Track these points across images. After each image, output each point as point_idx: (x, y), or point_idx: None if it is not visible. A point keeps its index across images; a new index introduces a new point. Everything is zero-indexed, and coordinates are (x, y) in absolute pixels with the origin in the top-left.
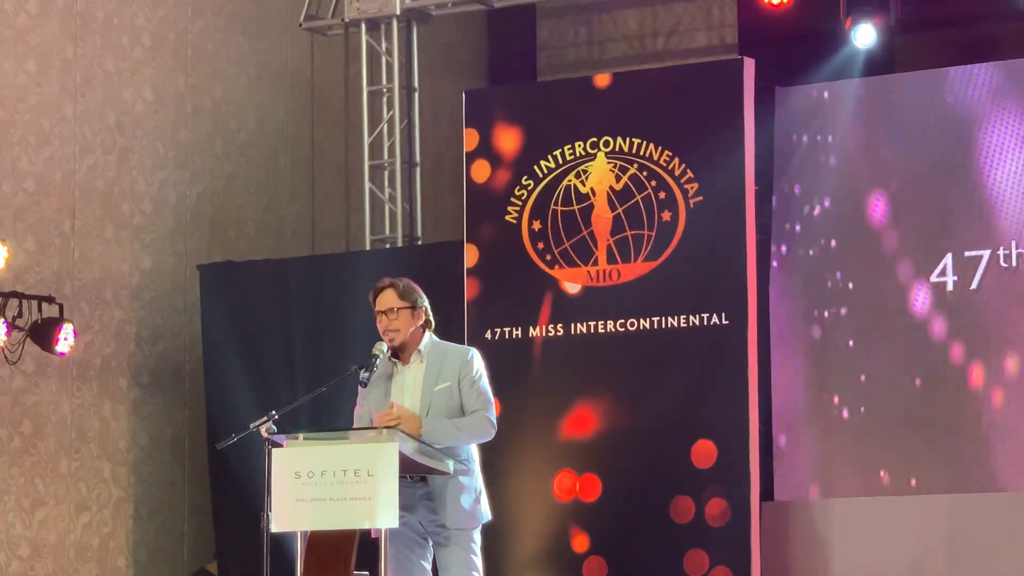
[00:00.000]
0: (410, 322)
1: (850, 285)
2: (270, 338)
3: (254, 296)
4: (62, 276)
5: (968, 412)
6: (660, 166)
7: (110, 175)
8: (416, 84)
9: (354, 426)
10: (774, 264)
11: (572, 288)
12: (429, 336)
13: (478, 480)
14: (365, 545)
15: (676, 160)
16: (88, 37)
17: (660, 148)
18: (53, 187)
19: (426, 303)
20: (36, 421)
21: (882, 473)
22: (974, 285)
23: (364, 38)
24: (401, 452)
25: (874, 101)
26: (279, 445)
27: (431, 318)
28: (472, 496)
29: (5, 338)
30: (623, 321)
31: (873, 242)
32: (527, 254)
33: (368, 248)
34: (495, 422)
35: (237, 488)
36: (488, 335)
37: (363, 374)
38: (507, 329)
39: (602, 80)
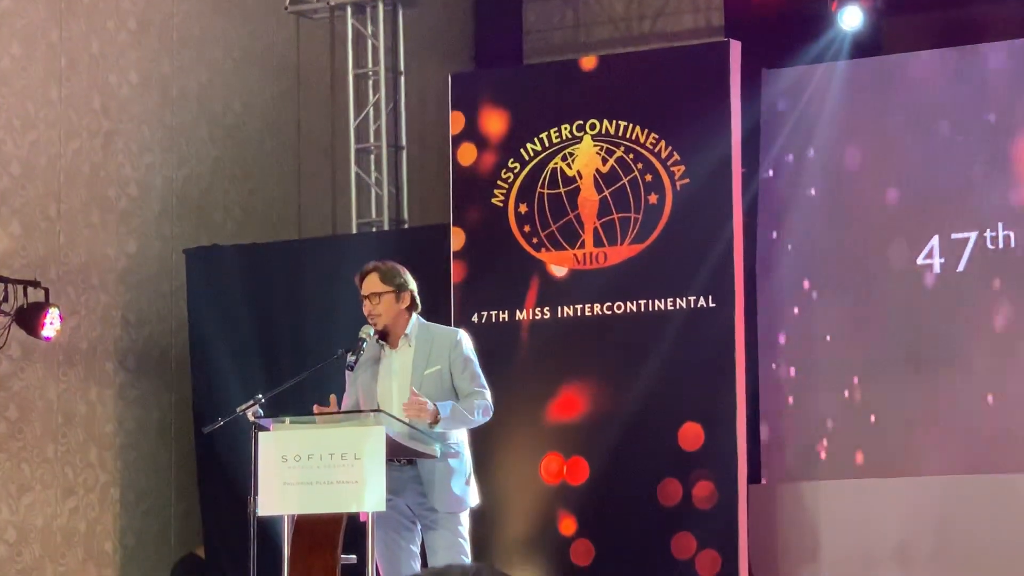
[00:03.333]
0: (393, 306)
1: (837, 267)
2: (256, 322)
3: (240, 280)
4: (48, 260)
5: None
6: (647, 148)
7: (96, 159)
8: (402, 67)
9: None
10: (761, 246)
11: (559, 271)
12: (416, 319)
13: (468, 464)
14: (353, 528)
15: (663, 143)
16: (73, 20)
17: (646, 131)
18: (38, 171)
19: (412, 286)
20: (22, 406)
21: (872, 456)
22: (960, 267)
23: (350, 21)
24: (388, 435)
25: (861, 83)
26: (265, 429)
27: (418, 300)
28: (462, 479)
29: None
30: (610, 304)
31: (861, 223)
32: (513, 237)
33: (354, 232)
34: (491, 405)
35: (224, 472)
36: (475, 318)
37: (349, 357)
38: (493, 312)
39: (588, 63)
